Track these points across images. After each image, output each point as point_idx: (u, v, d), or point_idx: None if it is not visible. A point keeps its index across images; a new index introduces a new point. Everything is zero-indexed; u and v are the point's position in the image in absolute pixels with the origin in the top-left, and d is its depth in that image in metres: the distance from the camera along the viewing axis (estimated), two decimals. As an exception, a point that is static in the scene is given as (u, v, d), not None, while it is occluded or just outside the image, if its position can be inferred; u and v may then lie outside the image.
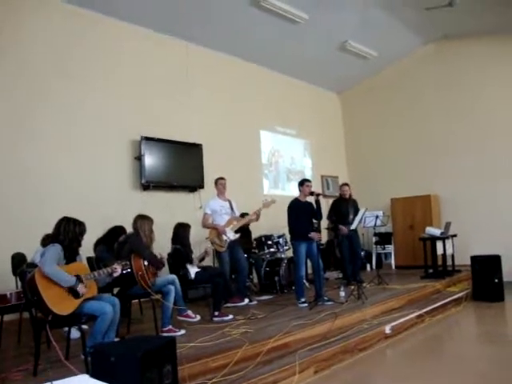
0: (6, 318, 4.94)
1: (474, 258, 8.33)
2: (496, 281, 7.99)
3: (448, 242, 9.06)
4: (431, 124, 11.09)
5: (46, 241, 4.71)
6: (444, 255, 8.97)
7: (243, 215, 7.31)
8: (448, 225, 9.13)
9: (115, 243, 5.39)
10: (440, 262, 9.00)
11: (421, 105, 11.29)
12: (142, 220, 5.25)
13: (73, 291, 3.84)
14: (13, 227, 6.22)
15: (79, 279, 3.87)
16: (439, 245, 8.86)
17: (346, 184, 8.63)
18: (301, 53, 10.11)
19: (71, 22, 7.34)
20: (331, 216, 8.53)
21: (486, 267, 8.09)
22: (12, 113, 6.59)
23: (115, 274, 4.26)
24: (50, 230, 4.26)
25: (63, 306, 3.75)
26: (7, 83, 6.57)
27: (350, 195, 8.47)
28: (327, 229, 10.56)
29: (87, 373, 2.62)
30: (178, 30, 8.60)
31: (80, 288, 3.86)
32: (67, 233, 4.02)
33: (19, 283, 4.71)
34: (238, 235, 6.80)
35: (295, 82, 11.46)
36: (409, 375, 4.62)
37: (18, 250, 5.61)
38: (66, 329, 4.49)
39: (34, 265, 4.31)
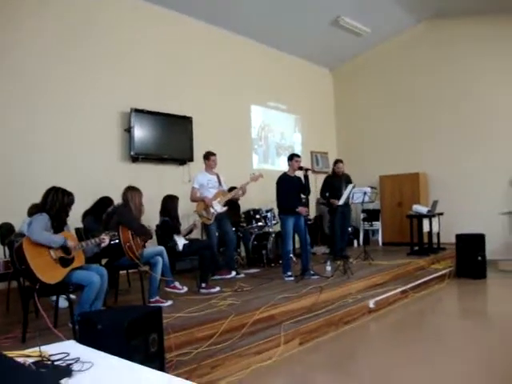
0: (-5, 286, 4.97)
1: (458, 237, 8.48)
2: (479, 259, 8.14)
3: (434, 220, 9.17)
4: (422, 102, 11.09)
5: (33, 210, 4.71)
6: (430, 233, 9.10)
7: (231, 189, 7.33)
8: (435, 203, 9.24)
9: (103, 214, 5.39)
10: (426, 240, 9.13)
11: (412, 83, 11.26)
12: (133, 192, 5.24)
13: (61, 260, 3.88)
14: None
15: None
16: (426, 222, 8.96)
17: (341, 161, 8.57)
18: (293, 27, 9.99)
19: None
20: (324, 192, 8.55)
21: (470, 245, 8.24)
22: (8, 86, 6.52)
23: (103, 245, 4.29)
24: (37, 200, 4.26)
25: (51, 275, 3.78)
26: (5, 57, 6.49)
27: (343, 171, 8.51)
28: (321, 204, 10.50)
29: (75, 339, 2.67)
30: (172, 2, 8.45)
31: (70, 243, 3.93)
32: (55, 202, 4.02)
33: (7, 253, 4.74)
34: (225, 208, 6.83)
35: (288, 57, 11.36)
36: (391, 347, 4.75)
37: (5, 220, 5.61)
38: (54, 298, 4.54)
39: (22, 235, 4.31)
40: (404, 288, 6.74)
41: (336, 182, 8.35)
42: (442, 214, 9.46)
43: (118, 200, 5.47)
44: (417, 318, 6.14)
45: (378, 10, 9.91)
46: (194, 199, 6.82)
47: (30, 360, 1.75)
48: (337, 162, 8.61)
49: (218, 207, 6.71)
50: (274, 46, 10.85)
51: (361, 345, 4.99)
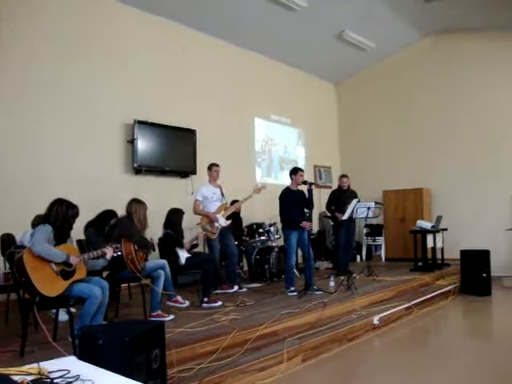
0: (-6, 298, 4.91)
1: (463, 253, 8.40)
2: (484, 275, 8.05)
3: (438, 236, 9.11)
4: (426, 118, 11.08)
5: (37, 221, 4.66)
6: (434, 249, 9.03)
7: (233, 202, 7.29)
8: (439, 218, 9.17)
9: (106, 227, 5.33)
10: (430, 256, 9.05)
11: (416, 98, 11.26)
12: (138, 204, 5.18)
13: (62, 273, 3.81)
14: (1, 208, 6.14)
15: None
16: (429, 238, 8.91)
17: (346, 176, 8.64)
18: (297, 41, 10.01)
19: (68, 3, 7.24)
20: (330, 206, 8.54)
21: (474, 262, 8.16)
22: (7, 98, 6.51)
23: (108, 256, 4.24)
24: (39, 211, 4.21)
25: (51, 288, 3.72)
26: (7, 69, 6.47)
27: (349, 186, 8.51)
28: (325, 217, 10.46)
29: (75, 355, 2.60)
30: (175, 14, 8.44)
31: (72, 259, 3.85)
32: (59, 215, 3.97)
33: (7, 265, 4.68)
34: (229, 222, 6.79)
35: (291, 71, 11.37)
36: (395, 365, 4.66)
37: (6, 231, 5.55)
38: (54, 311, 4.47)
39: (23, 246, 4.26)
40: (408, 304, 6.65)
41: (341, 196, 8.32)
42: (445, 229, 9.39)
43: (121, 212, 5.42)
44: (421, 335, 6.05)
45: (383, 26, 9.93)
46: (197, 212, 6.76)
47: (29, 378, 1.68)
48: (341, 176, 8.68)
49: (222, 221, 6.66)
50: (278, 59, 10.85)
51: (365, 362, 4.90)
